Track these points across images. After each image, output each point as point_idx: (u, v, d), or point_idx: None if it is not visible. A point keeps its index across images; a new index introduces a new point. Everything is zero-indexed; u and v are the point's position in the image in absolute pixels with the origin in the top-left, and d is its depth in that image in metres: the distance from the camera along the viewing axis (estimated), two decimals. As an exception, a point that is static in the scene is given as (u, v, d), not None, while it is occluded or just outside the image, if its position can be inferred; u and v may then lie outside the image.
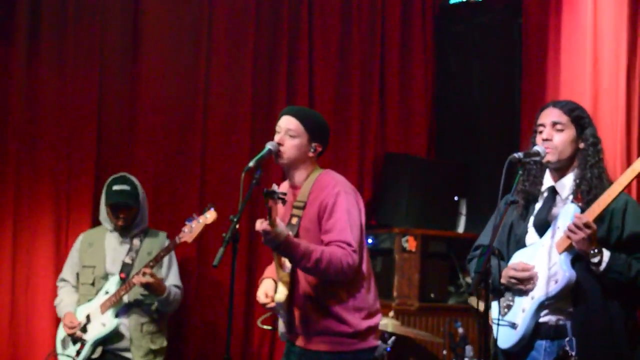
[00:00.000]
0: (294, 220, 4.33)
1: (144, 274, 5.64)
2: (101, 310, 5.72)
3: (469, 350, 5.94)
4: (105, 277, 5.83)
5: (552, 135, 4.02)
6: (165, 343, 5.93)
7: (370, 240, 7.20)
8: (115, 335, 5.74)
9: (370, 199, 7.48)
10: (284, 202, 4.08)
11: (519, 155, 3.93)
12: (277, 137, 4.39)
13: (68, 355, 5.73)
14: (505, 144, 7.09)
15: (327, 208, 4.25)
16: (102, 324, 5.71)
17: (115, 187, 5.90)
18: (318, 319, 4.29)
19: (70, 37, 6.60)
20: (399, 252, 6.95)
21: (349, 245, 4.19)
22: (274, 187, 4.04)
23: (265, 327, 4.75)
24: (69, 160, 6.51)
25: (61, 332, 5.88)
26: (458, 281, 7.14)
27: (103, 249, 5.92)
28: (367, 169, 7.53)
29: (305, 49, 7.35)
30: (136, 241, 5.93)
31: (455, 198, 7.44)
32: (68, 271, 6.03)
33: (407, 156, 7.51)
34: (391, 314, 6.52)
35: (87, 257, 5.92)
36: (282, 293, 4.33)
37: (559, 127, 4.03)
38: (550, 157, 4.01)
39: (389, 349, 5.91)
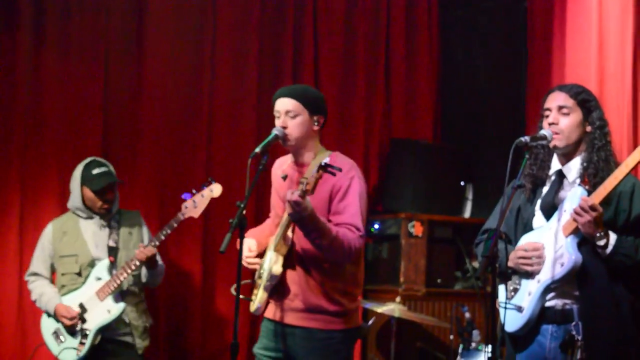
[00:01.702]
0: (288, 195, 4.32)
1: (142, 251, 5.60)
2: (100, 297, 5.63)
3: (476, 334, 5.94)
4: (92, 263, 5.72)
5: (558, 120, 4.01)
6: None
7: (376, 226, 7.21)
8: (114, 320, 5.68)
9: (376, 184, 7.49)
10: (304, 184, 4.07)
11: (525, 139, 3.92)
12: (278, 122, 4.39)
13: (70, 348, 5.62)
14: (510, 128, 7.08)
15: (341, 190, 4.30)
16: (106, 310, 5.62)
17: (96, 171, 5.78)
18: (312, 296, 4.33)
19: (75, 25, 6.61)
20: (405, 237, 6.96)
21: (358, 229, 4.25)
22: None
23: (237, 294, 4.64)
24: (74, 149, 6.49)
25: (50, 325, 5.73)
26: (464, 266, 7.16)
27: (81, 235, 5.78)
28: (373, 155, 7.53)
29: (310, 35, 7.35)
30: (114, 223, 5.85)
31: (462, 183, 7.44)
32: (40, 264, 5.84)
33: (413, 141, 7.50)
34: (398, 299, 6.53)
35: (65, 247, 5.76)
36: (279, 265, 4.32)
37: (565, 111, 4.01)
38: (557, 142, 4.01)
39: (369, 324, 6.14)
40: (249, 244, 4.46)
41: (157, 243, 5.66)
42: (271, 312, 4.44)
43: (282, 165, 4.50)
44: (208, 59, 7.01)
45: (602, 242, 3.80)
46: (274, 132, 4.33)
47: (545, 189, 4.11)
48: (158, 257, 5.83)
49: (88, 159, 5.89)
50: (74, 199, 5.83)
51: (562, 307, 3.94)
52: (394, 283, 7.01)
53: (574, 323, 3.88)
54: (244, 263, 4.40)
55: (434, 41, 7.81)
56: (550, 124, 4.01)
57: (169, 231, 5.66)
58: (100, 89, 6.64)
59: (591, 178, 3.92)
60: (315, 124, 4.43)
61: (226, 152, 7.00)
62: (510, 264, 4.03)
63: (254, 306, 4.42)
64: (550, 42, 6.44)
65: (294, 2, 7.32)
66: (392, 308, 6.20)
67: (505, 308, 4.01)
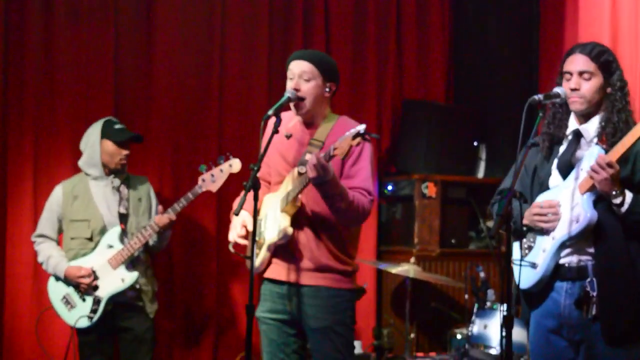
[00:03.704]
0: (308, 156, 4.27)
1: (164, 216, 5.63)
2: (112, 265, 5.61)
3: (490, 294, 5.96)
4: (103, 229, 5.70)
5: (580, 84, 3.98)
6: (157, 285, 5.93)
7: (389, 187, 7.21)
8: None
9: (389, 146, 7.48)
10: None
11: (539, 97, 3.90)
12: (291, 83, 4.39)
13: (82, 315, 5.59)
14: (523, 87, 7.05)
15: (354, 154, 4.33)
16: (120, 279, 5.61)
17: (118, 126, 5.80)
18: (321, 256, 4.37)
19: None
20: (419, 198, 6.97)
21: (369, 194, 4.33)
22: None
23: (237, 252, 4.51)
24: (86, 114, 6.48)
25: (58, 289, 5.71)
26: (478, 226, 7.16)
27: (92, 201, 5.75)
28: (386, 116, 7.52)
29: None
30: (123, 189, 5.82)
31: (475, 143, 7.43)
32: (47, 226, 5.81)
33: (426, 102, 7.50)
34: (412, 260, 6.56)
35: (76, 211, 5.74)
36: (289, 225, 4.33)
37: (586, 76, 3.98)
38: (579, 106, 3.99)
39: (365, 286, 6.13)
40: (244, 219, 4.42)
41: (173, 214, 5.67)
42: (275, 272, 4.44)
43: (286, 123, 4.45)
44: (219, 26, 6.99)
45: (618, 200, 3.79)
46: (287, 94, 4.34)
47: (562, 148, 4.10)
48: None
49: (104, 118, 5.89)
50: (91, 154, 5.77)
51: (577, 264, 3.94)
52: (408, 244, 7.02)
53: (588, 280, 3.88)
54: (233, 239, 4.42)
55: (445, 1, 7.77)
56: (572, 89, 3.99)
57: (185, 203, 5.68)
58: (111, 53, 6.63)
59: (609, 137, 3.91)
60: (327, 90, 4.45)
61: (238, 115, 7.00)
62: (525, 221, 4.02)
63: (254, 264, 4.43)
64: (563, 1, 6.40)
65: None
66: (407, 269, 6.22)
67: (521, 265, 4.02)
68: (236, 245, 4.49)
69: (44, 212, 5.87)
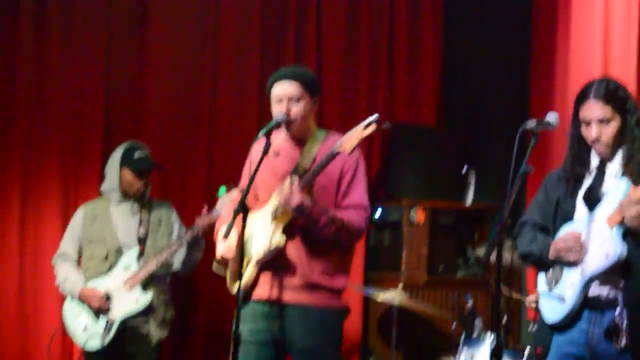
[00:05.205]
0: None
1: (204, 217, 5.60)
2: (128, 286, 5.60)
3: (478, 323, 5.91)
4: (119, 250, 5.71)
5: (601, 132, 3.95)
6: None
7: (378, 212, 7.15)
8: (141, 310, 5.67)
9: (378, 170, 7.45)
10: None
11: (530, 125, 3.87)
12: (281, 106, 4.35)
13: (94, 335, 5.58)
14: (514, 114, 7.02)
15: (350, 170, 4.35)
16: (134, 300, 5.60)
17: (138, 154, 5.82)
18: (312, 272, 4.30)
19: (78, 6, 6.62)
20: (407, 225, 6.91)
21: (365, 210, 4.34)
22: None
23: (239, 281, 4.27)
24: (76, 129, 6.53)
25: (73, 310, 5.72)
26: (466, 254, 7.11)
27: (110, 221, 5.77)
28: (375, 140, 7.48)
29: (313, 21, 7.30)
30: (144, 212, 5.85)
31: (464, 169, 7.38)
32: (69, 245, 5.84)
33: (416, 127, 7.46)
34: (399, 286, 6.48)
35: (94, 231, 5.76)
36: (280, 236, 4.27)
37: (605, 122, 3.95)
38: (604, 153, 3.97)
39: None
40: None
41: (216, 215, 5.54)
42: (260, 291, 4.36)
43: (272, 141, 4.31)
44: (211, 42, 7.00)
45: None
46: (277, 119, 4.30)
47: (586, 182, 4.05)
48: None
49: (128, 142, 5.92)
50: (110, 181, 5.82)
51: (606, 295, 3.89)
52: (395, 270, 6.96)
53: (618, 311, 3.84)
54: (223, 255, 4.37)
55: (437, 25, 7.73)
56: (594, 141, 3.95)
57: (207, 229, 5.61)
58: (103, 70, 6.66)
59: (635, 175, 3.86)
60: (315, 104, 4.46)
61: (228, 137, 6.98)
62: (551, 254, 3.98)
63: (237, 287, 4.26)
64: (554, 27, 6.41)
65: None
66: (394, 296, 6.15)
67: (536, 299, 3.96)
68: (221, 261, 4.44)
69: (66, 231, 5.92)
